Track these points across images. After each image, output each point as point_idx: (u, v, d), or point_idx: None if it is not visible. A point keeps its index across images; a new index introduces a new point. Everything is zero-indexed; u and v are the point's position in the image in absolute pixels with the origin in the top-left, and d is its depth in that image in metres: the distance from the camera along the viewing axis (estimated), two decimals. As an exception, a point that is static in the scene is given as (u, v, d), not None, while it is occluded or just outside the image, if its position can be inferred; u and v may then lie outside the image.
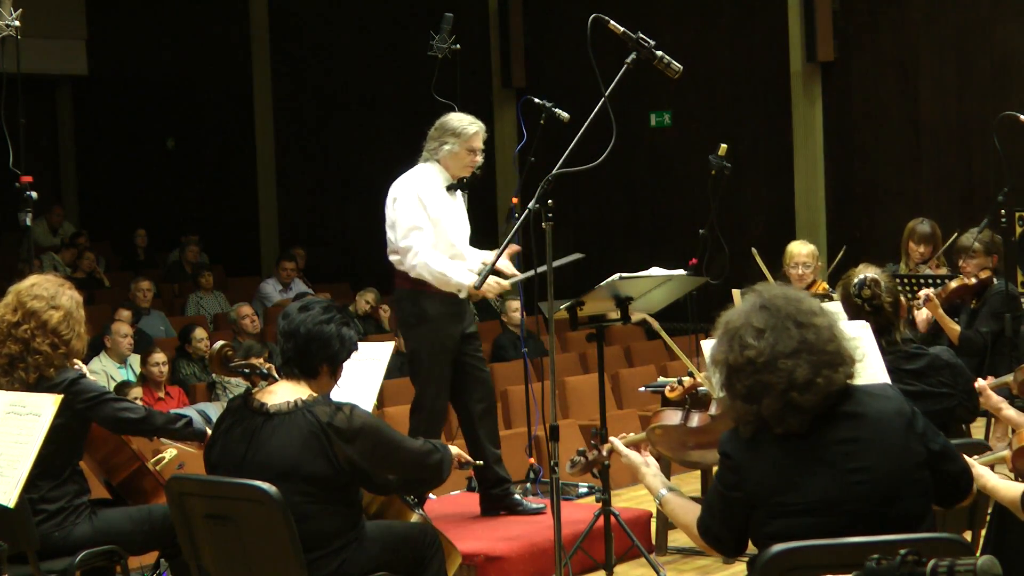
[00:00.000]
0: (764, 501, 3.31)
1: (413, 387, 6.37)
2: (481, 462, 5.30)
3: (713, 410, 3.99)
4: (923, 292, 7.32)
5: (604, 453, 4.11)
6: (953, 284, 7.41)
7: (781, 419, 3.29)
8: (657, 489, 3.75)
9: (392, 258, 6.34)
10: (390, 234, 6.35)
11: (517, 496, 6.47)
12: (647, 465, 3.84)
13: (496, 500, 6.39)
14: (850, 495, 3.26)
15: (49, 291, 4.83)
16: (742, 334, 3.34)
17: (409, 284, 6.24)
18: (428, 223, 6.20)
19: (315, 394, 4.22)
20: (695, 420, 3.95)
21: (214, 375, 9.55)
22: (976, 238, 7.40)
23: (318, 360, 4.26)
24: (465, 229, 6.39)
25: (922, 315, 7.51)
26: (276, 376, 4.46)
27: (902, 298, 5.19)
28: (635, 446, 3.99)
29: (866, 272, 5.12)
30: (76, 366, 4.89)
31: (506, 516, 6.38)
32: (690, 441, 3.95)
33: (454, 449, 4.61)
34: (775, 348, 3.30)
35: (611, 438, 4.02)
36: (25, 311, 4.77)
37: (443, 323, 6.20)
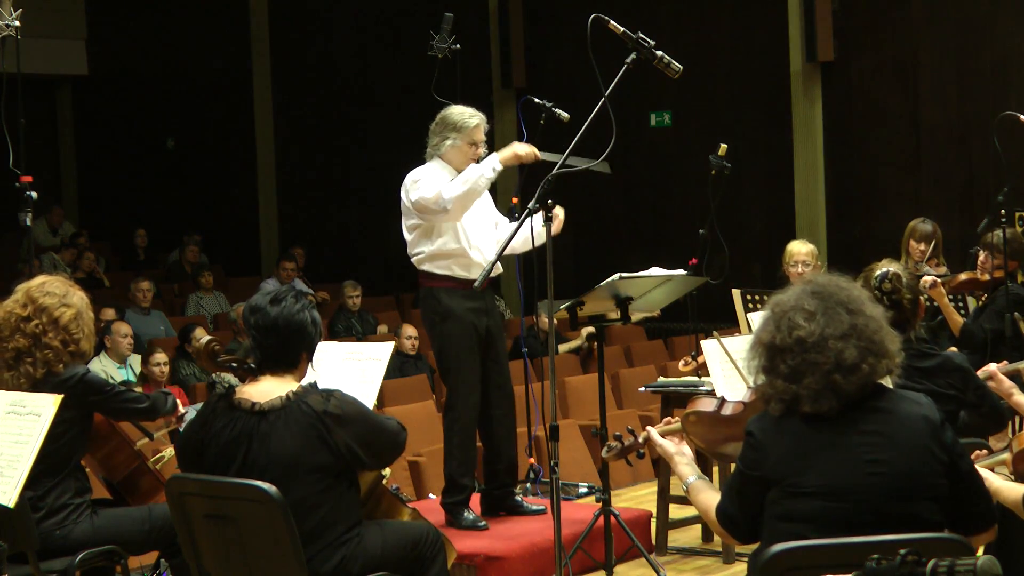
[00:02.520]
0: (779, 480, 3.34)
1: (445, 386, 6.29)
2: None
3: (746, 397, 3.99)
4: (929, 277, 7.31)
5: (640, 440, 4.14)
6: (963, 276, 7.44)
7: (816, 399, 3.34)
8: (686, 476, 3.80)
9: (413, 258, 6.21)
10: (406, 231, 6.21)
11: (518, 497, 6.46)
12: (682, 454, 3.88)
13: (497, 500, 6.38)
14: (862, 485, 3.29)
15: (60, 290, 4.90)
16: (792, 316, 3.40)
17: (430, 281, 6.15)
18: (433, 184, 6.06)
19: (301, 384, 4.22)
20: (728, 409, 3.96)
21: (214, 375, 9.55)
22: (1010, 237, 7.41)
23: (300, 350, 4.27)
24: (481, 221, 6.25)
25: None
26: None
27: (922, 299, 5.18)
28: (670, 436, 4.02)
29: (889, 266, 5.09)
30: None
31: (506, 517, 6.38)
32: (723, 431, 3.95)
33: None
34: (826, 330, 3.36)
35: (648, 427, 4.04)
36: (36, 307, 4.82)
37: (467, 317, 6.13)
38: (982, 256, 7.55)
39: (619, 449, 4.23)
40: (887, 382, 3.54)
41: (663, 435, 4.01)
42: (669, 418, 4.20)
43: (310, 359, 4.33)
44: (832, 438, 3.34)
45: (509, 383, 6.36)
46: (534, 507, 6.43)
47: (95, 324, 5.07)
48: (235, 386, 4.33)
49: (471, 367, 6.16)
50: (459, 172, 6.15)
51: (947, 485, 3.38)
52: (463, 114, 6.19)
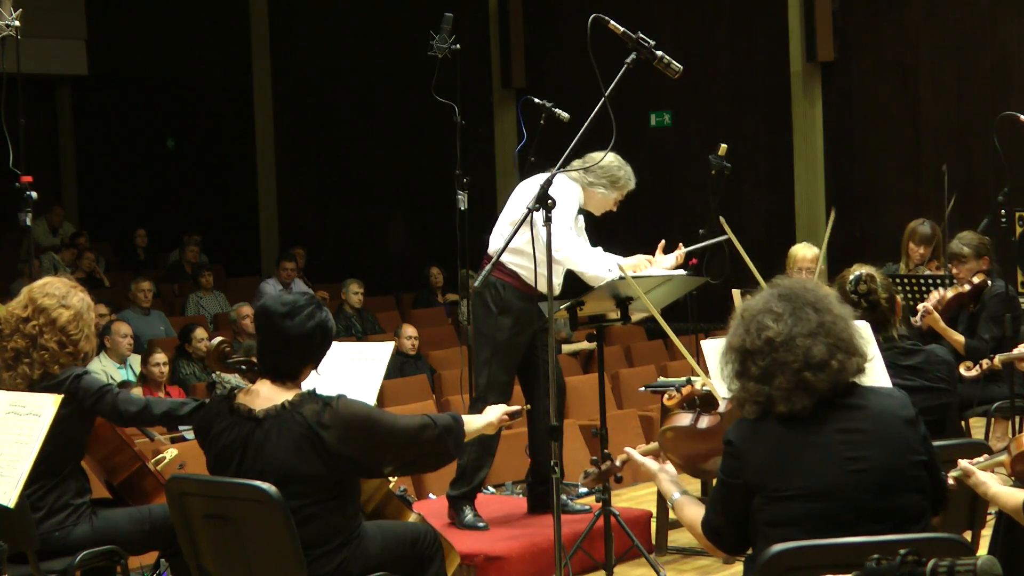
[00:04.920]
0: (762, 486, 3.35)
1: (478, 376, 6.25)
2: (529, 406, 5.20)
3: (722, 408, 3.99)
4: (921, 307, 7.27)
5: (618, 463, 4.13)
6: (949, 294, 7.36)
7: (789, 398, 3.35)
8: (671, 493, 3.80)
9: (496, 245, 6.14)
10: (508, 220, 6.17)
11: (563, 496, 6.41)
12: (664, 472, 3.88)
13: (543, 497, 6.35)
14: (847, 483, 3.30)
15: (60, 291, 4.88)
16: (760, 319, 3.43)
17: (498, 272, 6.10)
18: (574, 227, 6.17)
19: (299, 391, 4.19)
20: (704, 422, 3.96)
21: (214, 375, 9.55)
22: (965, 242, 7.37)
23: (304, 365, 4.25)
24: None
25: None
26: None
27: (897, 296, 5.20)
28: (650, 455, 4.01)
29: (861, 269, 5.14)
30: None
31: (506, 517, 6.37)
32: (701, 446, 3.95)
33: (495, 409, 4.53)
34: (793, 329, 3.39)
35: (627, 448, 4.04)
36: (35, 307, 4.82)
37: (520, 317, 6.11)
38: (954, 270, 7.49)
39: (596, 474, 4.21)
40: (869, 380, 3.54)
41: (642, 455, 3.99)
42: (642, 444, 4.18)
43: (315, 368, 4.30)
44: (810, 439, 3.35)
45: (561, 377, 6.35)
46: (579, 507, 6.41)
47: (95, 325, 5.05)
48: (236, 388, 4.31)
49: (510, 364, 6.15)
50: (583, 208, 6.31)
51: (927, 476, 3.41)
52: (625, 174, 6.37)
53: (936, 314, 7.23)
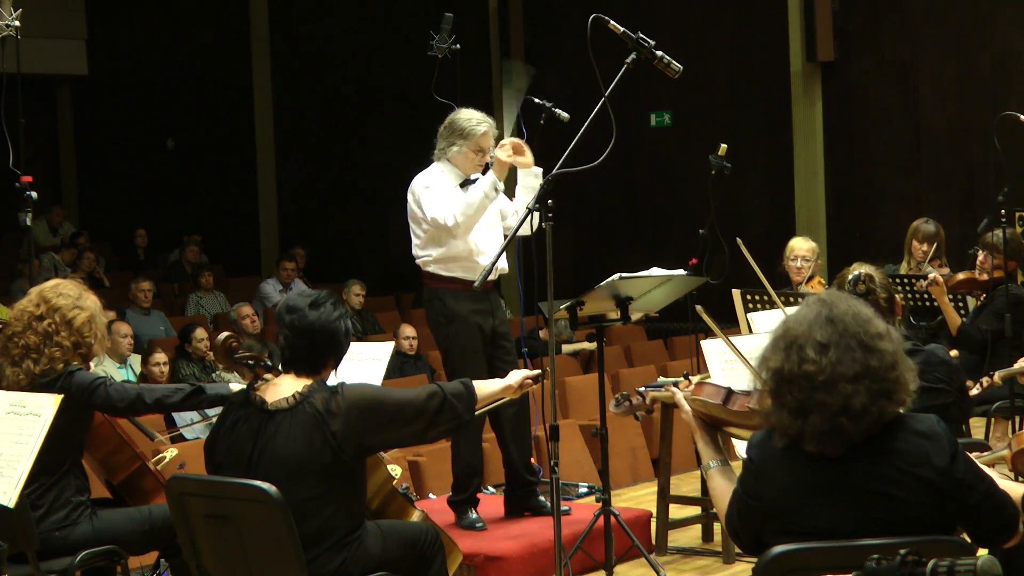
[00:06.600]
0: (779, 516, 3.27)
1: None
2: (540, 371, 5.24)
3: (752, 402, 3.97)
4: (932, 275, 7.34)
5: (648, 401, 4.26)
6: (961, 276, 7.46)
7: (821, 440, 3.21)
8: (707, 460, 3.73)
9: (419, 259, 6.22)
10: (414, 234, 6.22)
11: (542, 498, 6.41)
12: (707, 432, 3.82)
13: (521, 501, 6.35)
14: (864, 535, 3.18)
15: (74, 292, 4.92)
16: (802, 344, 3.23)
17: (435, 283, 6.16)
18: (442, 203, 6.10)
19: (311, 383, 4.22)
20: (736, 404, 3.94)
21: (215, 373, 9.55)
22: (1009, 237, 7.43)
23: (328, 357, 4.29)
24: (488, 223, 6.23)
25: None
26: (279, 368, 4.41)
27: (897, 295, 5.21)
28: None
29: (860, 269, 5.14)
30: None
31: (506, 517, 6.37)
32: (723, 416, 3.93)
33: (516, 374, 4.57)
34: (837, 369, 3.19)
35: (673, 389, 3.98)
36: (49, 307, 4.84)
37: (472, 319, 6.13)
38: (981, 256, 7.58)
39: (627, 406, 4.30)
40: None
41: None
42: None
43: (335, 367, 4.33)
44: (836, 479, 3.22)
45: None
46: (560, 509, 6.39)
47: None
48: (253, 384, 4.31)
49: (476, 369, 6.15)
50: (466, 174, 6.17)
51: (956, 522, 3.28)
52: (470, 120, 6.18)
53: (943, 286, 7.31)
